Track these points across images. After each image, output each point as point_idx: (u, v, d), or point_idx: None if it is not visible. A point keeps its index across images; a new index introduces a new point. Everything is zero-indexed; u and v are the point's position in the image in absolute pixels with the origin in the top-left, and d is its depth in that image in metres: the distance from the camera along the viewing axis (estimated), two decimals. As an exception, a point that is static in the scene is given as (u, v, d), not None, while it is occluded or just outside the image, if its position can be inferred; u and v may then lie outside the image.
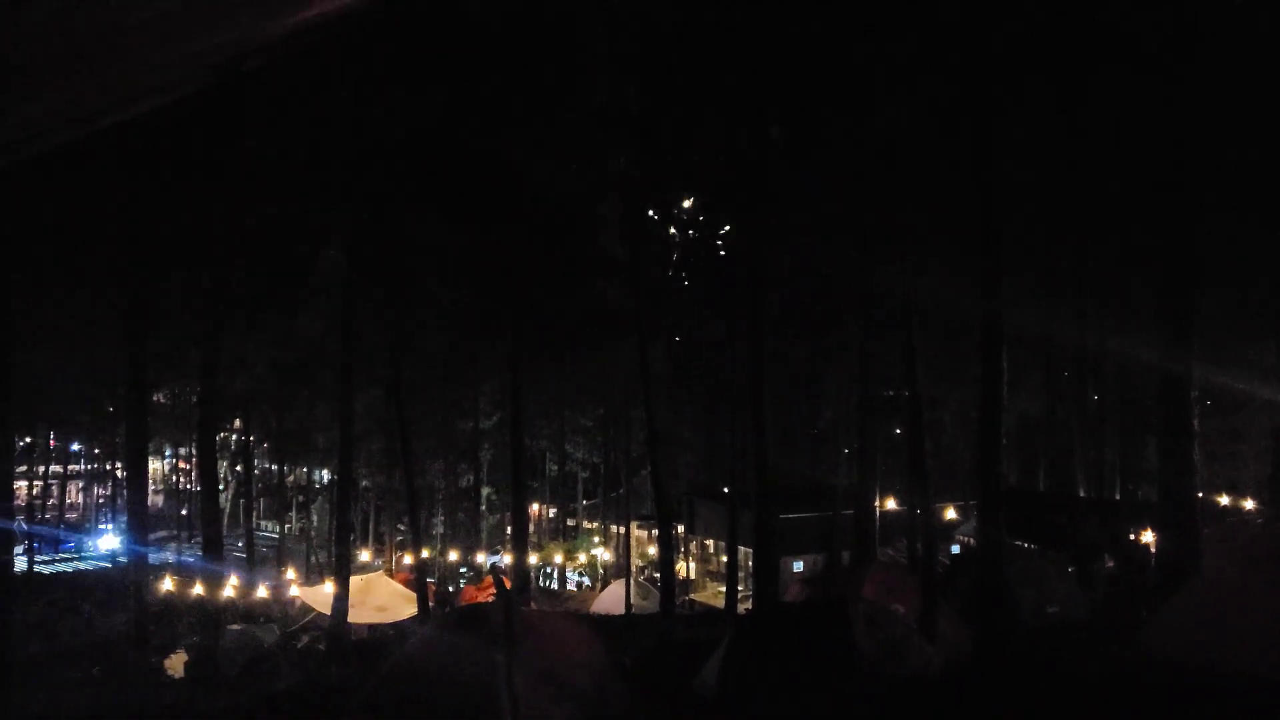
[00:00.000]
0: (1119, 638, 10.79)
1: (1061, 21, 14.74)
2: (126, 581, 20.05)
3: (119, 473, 46.12)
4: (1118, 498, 24.40)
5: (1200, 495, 14.28)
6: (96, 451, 53.19)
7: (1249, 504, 24.97)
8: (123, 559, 36.11)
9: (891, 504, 27.61)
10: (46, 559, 46.41)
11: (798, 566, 28.57)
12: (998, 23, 11.61)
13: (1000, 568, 11.57)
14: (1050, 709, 8.05)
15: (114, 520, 48.44)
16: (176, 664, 21.05)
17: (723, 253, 20.14)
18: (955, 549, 26.28)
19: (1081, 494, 26.03)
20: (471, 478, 40.00)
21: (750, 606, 21.88)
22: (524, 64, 19.40)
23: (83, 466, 57.09)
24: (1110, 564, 20.97)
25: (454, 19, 18.95)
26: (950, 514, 28.77)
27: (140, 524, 20.72)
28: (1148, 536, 18.50)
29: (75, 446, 55.06)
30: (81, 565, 46.16)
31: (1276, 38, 14.09)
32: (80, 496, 60.02)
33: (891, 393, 25.48)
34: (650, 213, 19.59)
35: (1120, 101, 15.44)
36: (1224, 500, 25.55)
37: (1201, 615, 8.82)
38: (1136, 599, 15.44)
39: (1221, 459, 29.40)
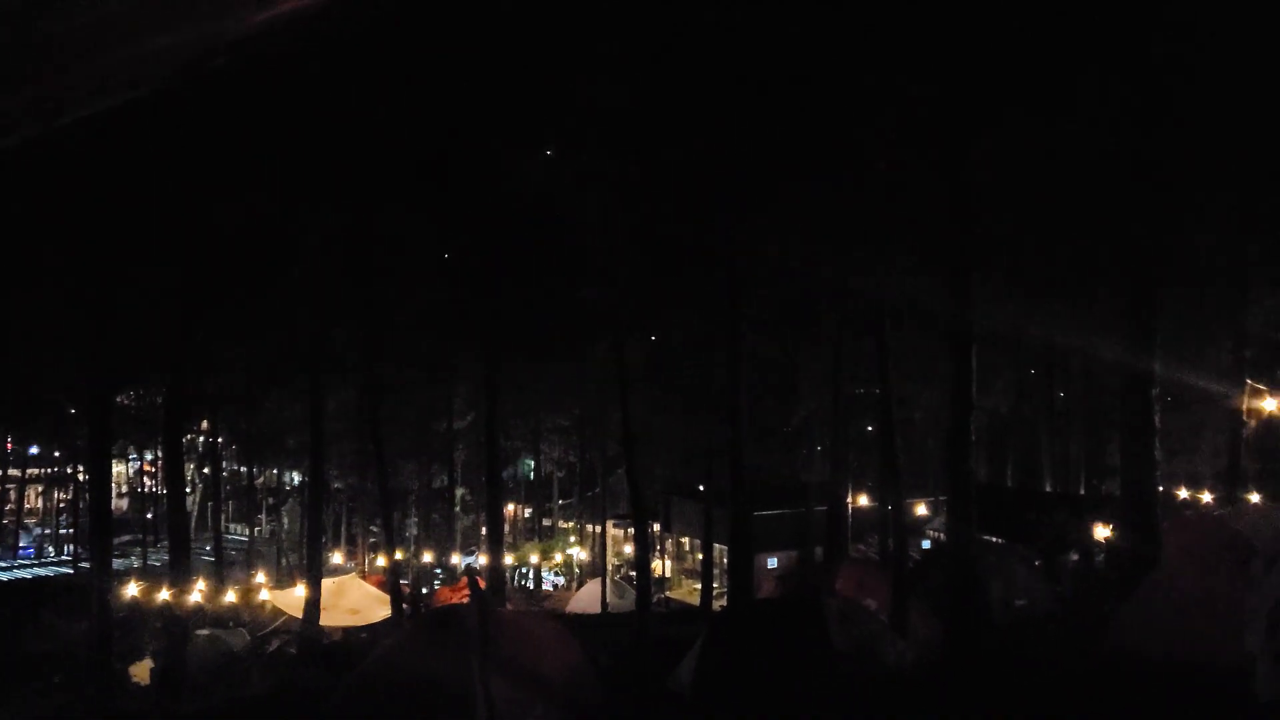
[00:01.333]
0: (1085, 630, 10.99)
1: (1037, 34, 14.98)
2: (89, 587, 19.74)
3: (81, 476, 45.27)
4: (1082, 492, 24.84)
5: (1161, 489, 14.58)
6: (57, 454, 52.15)
7: (1206, 496, 25.50)
8: (85, 564, 35.49)
9: (864, 500, 27.86)
10: (4, 565, 45.54)
11: (772, 563, 28.78)
12: (976, 33, 11.77)
13: (970, 563, 11.75)
14: (1021, 702, 8.21)
15: (76, 525, 47.56)
16: (142, 671, 20.77)
17: (701, 253, 20.19)
18: (926, 544, 26.61)
19: (1048, 489, 26.49)
20: (445, 478, 39.79)
21: (725, 604, 22.01)
22: (503, 60, 19.34)
23: (42, 470, 55.94)
24: (1075, 557, 21.33)
25: (430, 15, 18.84)
26: (921, 510, 29.08)
27: (103, 528, 20.38)
28: (1110, 530, 18.84)
29: (34, 449, 53.93)
30: (41, 571, 45.33)
31: (1237, 50, 14.46)
32: (40, 501, 58.83)
33: (863, 391, 25.71)
34: (628, 212, 19.58)
35: (1091, 108, 15.70)
36: (1183, 493, 26.07)
37: (1163, 608, 9.01)
38: (1101, 592, 15.73)
39: (1181, 454, 29.98)
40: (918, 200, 15.87)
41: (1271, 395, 20.89)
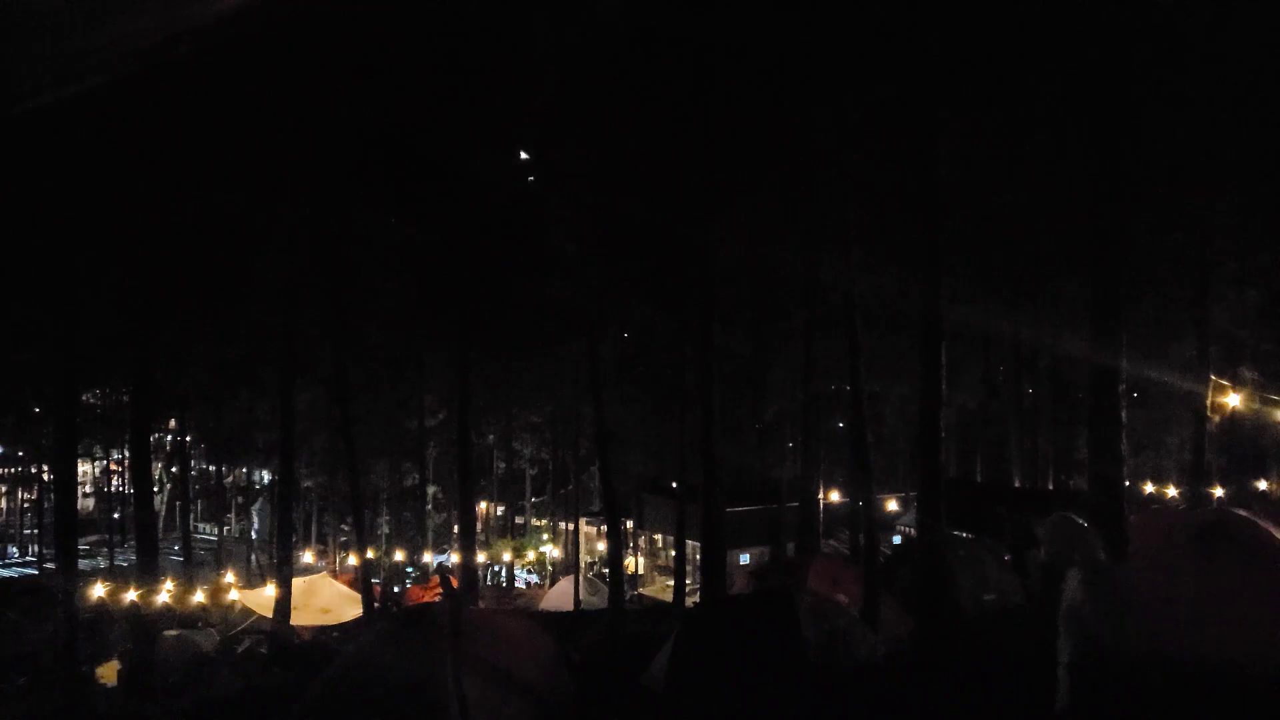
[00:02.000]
0: (1053, 623, 11.13)
1: (1002, 33, 15.16)
2: (55, 589, 19.42)
3: (46, 476, 44.51)
4: (1051, 487, 25.16)
5: (1127, 484, 14.81)
6: (21, 454, 51.21)
7: (1172, 491, 25.96)
8: (51, 565, 34.93)
9: (835, 496, 28.09)
10: (-31, 567, 44.73)
11: (744, 559, 28.91)
12: (940, 32, 11.88)
13: (940, 557, 11.87)
14: (988, 692, 8.32)
15: (41, 525, 46.74)
16: (109, 672, 20.49)
17: (672, 250, 20.25)
18: (897, 539, 26.84)
19: (1016, 484, 26.81)
20: (417, 476, 39.58)
21: (698, 600, 22.07)
22: (473, 57, 19.26)
23: (6, 470, 54.90)
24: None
25: (398, 11, 18.71)
26: (892, 505, 29.37)
27: (69, 528, 20.09)
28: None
29: (-3, 449, 52.91)
30: (5, 573, 44.56)
31: (1198, 54, 14.76)
32: (3, 501, 57.79)
33: (835, 387, 25.89)
34: (599, 210, 19.59)
35: (1057, 106, 15.90)
36: (1149, 488, 26.54)
37: (1128, 600, 9.16)
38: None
39: (1147, 448, 30.52)
40: (888, 197, 16.00)
41: (1235, 391, 21.31)
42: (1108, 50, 12.23)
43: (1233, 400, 21.13)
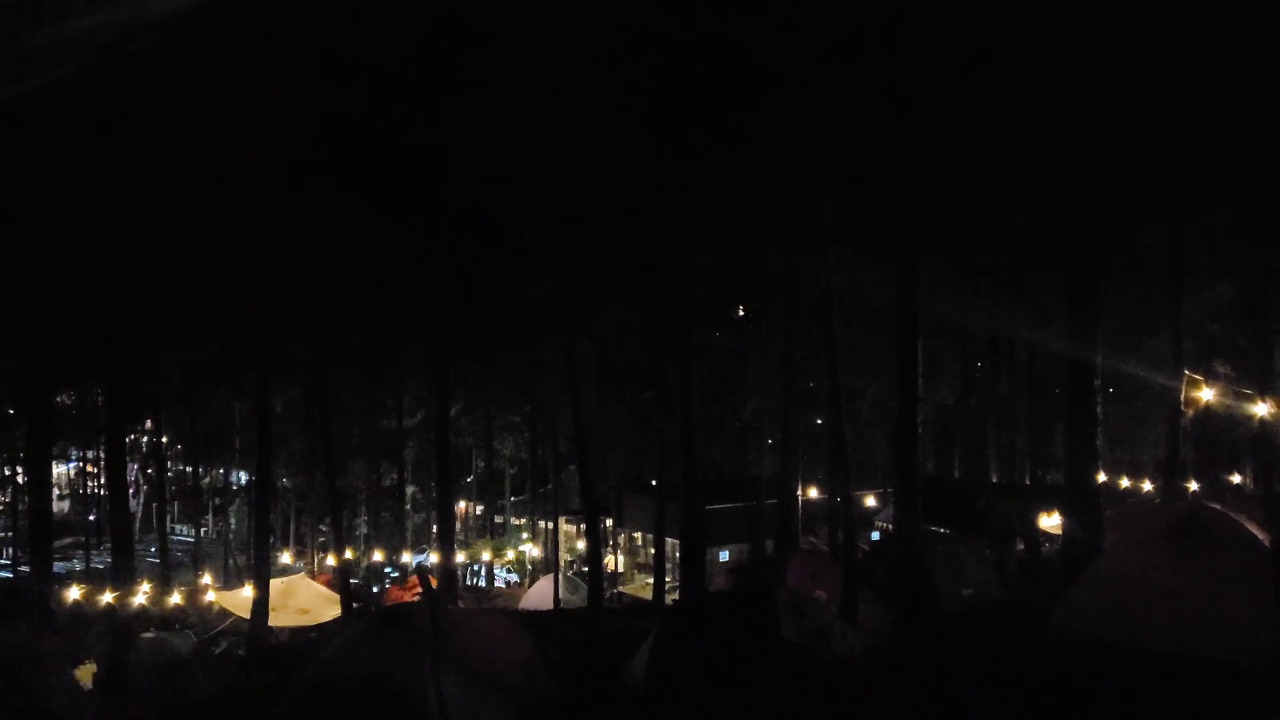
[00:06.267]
0: (1031, 618, 11.25)
1: (978, 29, 15.24)
2: (29, 592, 19.18)
3: (20, 478, 43.92)
4: (1027, 483, 25.36)
5: (1104, 478, 14.97)
6: (-6, 456, 50.48)
7: (1147, 485, 26.20)
8: (26, 568, 34.45)
9: (814, 492, 28.13)
10: (-60, 571, 44.00)
11: (723, 556, 28.98)
12: (914, 30, 11.95)
13: (918, 554, 11.94)
14: (967, 687, 8.38)
15: (15, 528, 46.09)
16: (85, 675, 20.24)
17: (650, 249, 20.24)
18: (875, 535, 26.98)
19: (994, 480, 27.02)
20: (395, 476, 39.37)
21: (678, 597, 22.08)
22: (443, 53, 19.16)
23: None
24: (1021, 547, 21.79)
25: (375, 8, 18.58)
26: (870, 501, 29.47)
27: (44, 531, 19.86)
28: (1055, 520, 19.28)
29: (-31, 452, 51.97)
30: (-21, 576, 43.93)
31: (1171, 50, 14.93)
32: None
33: (813, 384, 25.97)
34: (576, 209, 19.54)
35: (1035, 103, 16.02)
36: (1125, 482, 26.76)
37: (1104, 594, 9.28)
38: (1046, 580, 16.09)
39: (1123, 443, 30.84)
40: (865, 192, 16.08)
41: (1208, 386, 21.53)
42: (1082, 48, 12.36)
43: (1206, 394, 21.34)
